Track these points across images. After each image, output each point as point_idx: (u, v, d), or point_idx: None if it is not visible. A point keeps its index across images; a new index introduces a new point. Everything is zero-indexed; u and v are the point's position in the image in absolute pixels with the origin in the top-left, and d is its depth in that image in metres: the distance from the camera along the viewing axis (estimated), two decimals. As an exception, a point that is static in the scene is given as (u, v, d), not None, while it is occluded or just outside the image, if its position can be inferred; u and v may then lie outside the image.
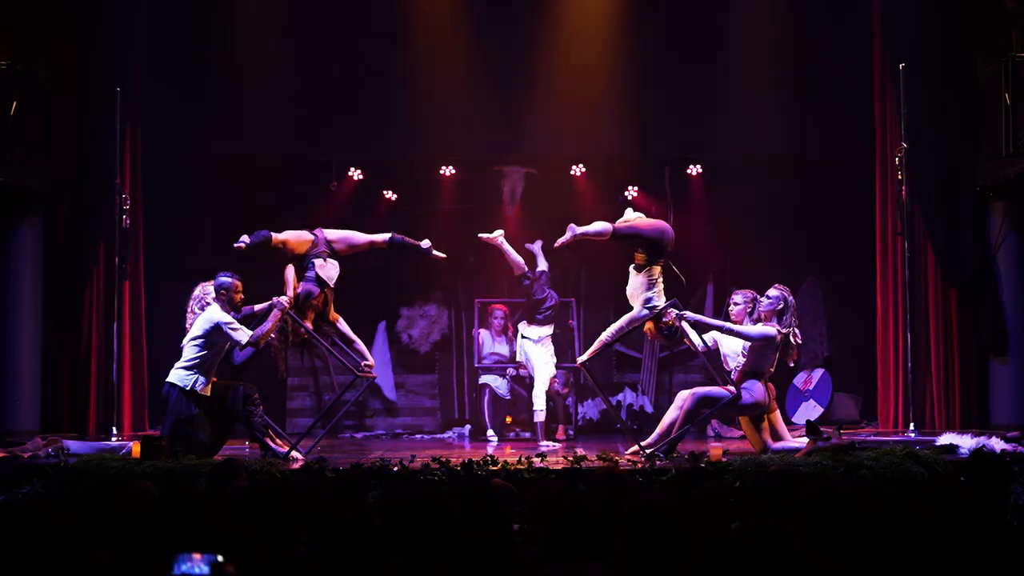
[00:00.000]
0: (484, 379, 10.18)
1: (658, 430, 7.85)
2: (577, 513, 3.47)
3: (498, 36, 10.38)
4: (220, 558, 3.04)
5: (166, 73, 10.10)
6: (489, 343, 10.35)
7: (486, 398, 10.12)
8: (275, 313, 7.77)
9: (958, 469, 6.74)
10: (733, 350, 8.10)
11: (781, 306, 7.76)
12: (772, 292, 7.83)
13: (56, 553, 3.08)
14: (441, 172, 11.12)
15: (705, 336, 8.06)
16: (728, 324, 7.90)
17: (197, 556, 3.02)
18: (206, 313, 7.65)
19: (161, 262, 10.25)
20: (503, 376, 10.21)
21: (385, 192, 11.42)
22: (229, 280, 7.69)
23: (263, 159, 10.68)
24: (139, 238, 9.87)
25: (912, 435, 8.61)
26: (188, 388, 7.53)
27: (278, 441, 8.01)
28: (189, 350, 7.60)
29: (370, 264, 11.59)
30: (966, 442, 7.60)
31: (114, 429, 9.11)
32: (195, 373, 7.55)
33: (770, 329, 7.67)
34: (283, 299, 7.84)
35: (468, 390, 11.31)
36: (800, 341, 7.93)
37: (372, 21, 10.35)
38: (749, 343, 7.75)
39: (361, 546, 3.37)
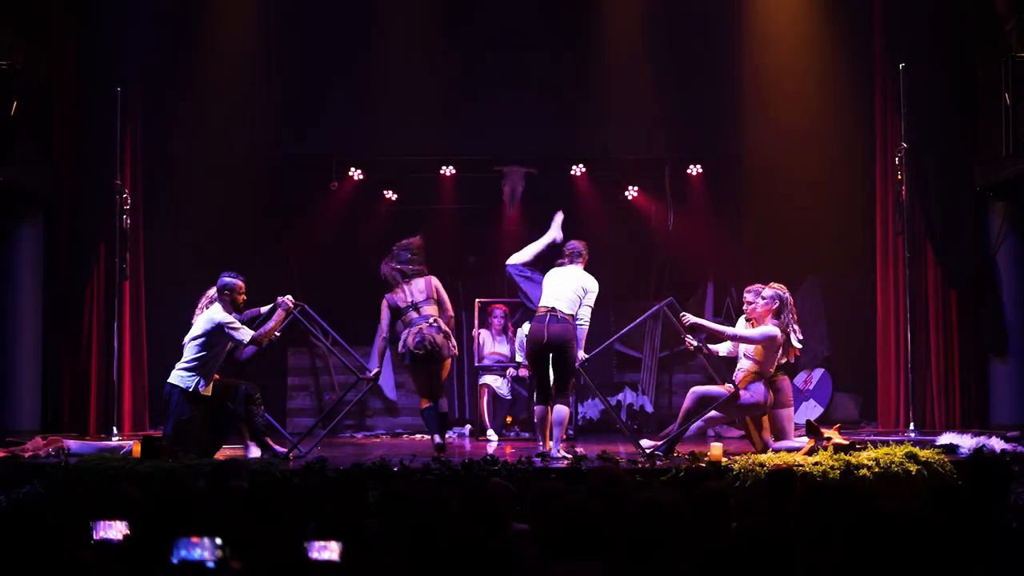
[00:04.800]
0: (484, 379, 10.18)
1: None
2: (577, 513, 3.47)
3: (499, 36, 10.38)
4: (219, 540, 3.06)
5: (166, 72, 10.10)
6: (489, 343, 10.35)
7: (486, 398, 10.12)
8: (279, 313, 7.76)
9: (958, 469, 6.74)
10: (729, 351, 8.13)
11: (777, 304, 7.76)
12: (767, 292, 7.83)
13: (45, 553, 3.09)
14: (441, 172, 11.12)
15: (722, 345, 8.11)
16: (731, 330, 7.89)
17: (196, 540, 3.03)
18: (207, 313, 7.65)
19: (161, 262, 10.24)
20: (503, 376, 10.21)
21: (385, 192, 11.44)
22: (232, 280, 7.70)
23: (263, 159, 10.69)
24: (139, 238, 9.87)
25: (912, 435, 8.60)
26: (190, 389, 7.52)
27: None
28: (190, 350, 7.60)
29: (370, 265, 11.62)
30: (966, 442, 7.60)
31: (114, 429, 9.11)
32: (196, 374, 7.54)
33: (772, 328, 7.67)
34: (287, 299, 7.82)
35: (468, 390, 11.30)
36: (800, 338, 7.92)
37: (372, 21, 10.34)
38: (749, 342, 7.75)
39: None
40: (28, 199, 9.52)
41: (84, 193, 9.63)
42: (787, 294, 7.84)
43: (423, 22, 10.31)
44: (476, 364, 10.36)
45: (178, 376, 7.56)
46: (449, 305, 8.29)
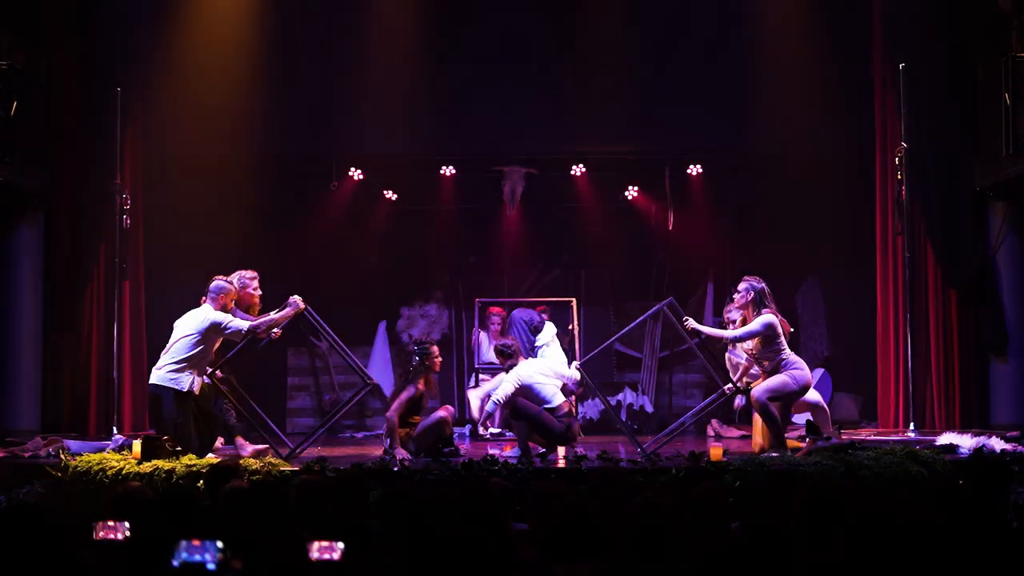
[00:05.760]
0: (483, 379, 10.20)
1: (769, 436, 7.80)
2: (577, 513, 3.47)
3: (499, 36, 10.38)
4: (220, 544, 3.06)
5: (166, 73, 10.10)
6: (487, 345, 10.37)
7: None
8: (287, 311, 7.74)
9: (958, 469, 6.74)
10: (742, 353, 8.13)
11: (752, 295, 7.70)
12: (740, 285, 7.78)
13: (45, 553, 3.09)
14: (441, 172, 11.12)
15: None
16: (730, 333, 7.80)
17: (197, 543, 3.03)
18: (200, 312, 7.61)
19: (161, 262, 10.24)
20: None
21: (385, 192, 11.44)
22: (227, 285, 7.74)
23: (263, 159, 10.68)
24: (139, 238, 9.87)
25: (912, 435, 8.61)
26: (184, 389, 7.50)
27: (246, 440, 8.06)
28: (180, 348, 7.50)
29: (370, 264, 11.63)
30: (966, 442, 7.59)
31: (114, 429, 9.10)
32: (189, 373, 7.50)
33: (766, 316, 7.60)
34: (298, 300, 7.81)
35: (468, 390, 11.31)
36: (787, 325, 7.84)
37: (371, 20, 10.34)
38: (752, 336, 7.65)
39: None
40: (28, 199, 9.52)
41: (84, 193, 9.63)
42: (760, 283, 7.74)
43: (423, 22, 10.31)
44: (477, 364, 10.37)
45: (168, 377, 7.49)
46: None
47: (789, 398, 7.69)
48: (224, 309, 7.70)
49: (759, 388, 7.60)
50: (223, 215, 10.73)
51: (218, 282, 7.73)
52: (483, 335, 10.41)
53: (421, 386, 8.06)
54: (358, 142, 10.63)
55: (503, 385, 7.92)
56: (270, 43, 10.24)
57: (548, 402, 7.89)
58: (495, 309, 10.47)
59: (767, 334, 7.61)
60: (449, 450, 8.03)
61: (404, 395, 8.05)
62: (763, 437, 7.82)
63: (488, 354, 10.33)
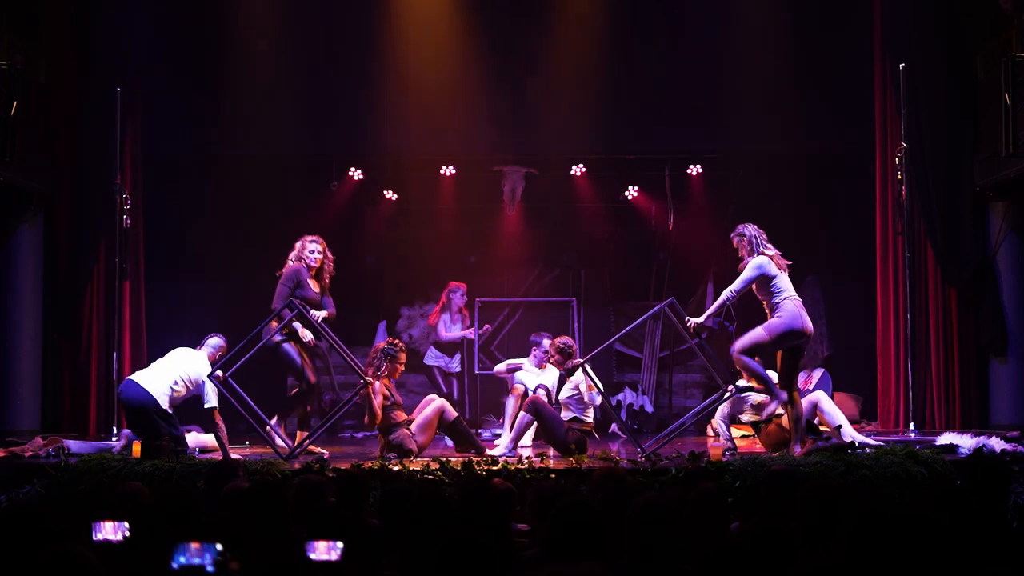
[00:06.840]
0: (430, 360, 10.38)
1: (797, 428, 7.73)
2: (577, 513, 3.47)
3: (498, 35, 10.39)
4: (219, 546, 3.05)
5: (166, 72, 10.10)
6: (446, 325, 10.47)
7: (438, 378, 10.33)
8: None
9: (958, 469, 6.74)
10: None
11: (746, 242, 7.61)
12: (733, 241, 7.70)
13: (45, 553, 3.09)
14: (441, 172, 11.12)
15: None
16: (726, 292, 7.66)
17: (196, 546, 3.03)
18: (196, 363, 7.72)
19: (161, 262, 10.24)
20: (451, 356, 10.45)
21: (385, 192, 11.44)
22: (222, 343, 7.94)
23: (263, 159, 10.68)
24: (139, 238, 9.87)
25: (912, 435, 8.60)
26: (164, 408, 7.63)
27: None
28: (171, 380, 7.61)
29: (371, 264, 11.63)
30: (966, 442, 7.59)
31: (114, 429, 9.10)
32: (170, 401, 7.65)
33: (756, 260, 7.50)
34: (309, 332, 7.96)
35: (468, 390, 11.31)
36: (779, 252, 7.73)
37: (371, 20, 10.34)
38: (749, 284, 7.54)
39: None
40: (28, 199, 9.51)
41: (84, 193, 9.63)
42: (746, 227, 7.64)
43: (422, 21, 10.31)
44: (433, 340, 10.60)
45: (162, 392, 7.56)
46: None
47: (765, 348, 7.52)
48: (215, 363, 7.78)
49: (735, 344, 7.55)
50: (222, 215, 10.73)
51: (216, 338, 7.95)
52: (445, 317, 10.49)
53: (385, 391, 8.00)
54: (358, 142, 10.63)
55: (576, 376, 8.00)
56: (270, 43, 10.25)
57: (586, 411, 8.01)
58: (457, 284, 10.51)
59: (759, 279, 7.50)
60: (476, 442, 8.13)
61: (375, 403, 7.94)
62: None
63: (451, 331, 10.39)
